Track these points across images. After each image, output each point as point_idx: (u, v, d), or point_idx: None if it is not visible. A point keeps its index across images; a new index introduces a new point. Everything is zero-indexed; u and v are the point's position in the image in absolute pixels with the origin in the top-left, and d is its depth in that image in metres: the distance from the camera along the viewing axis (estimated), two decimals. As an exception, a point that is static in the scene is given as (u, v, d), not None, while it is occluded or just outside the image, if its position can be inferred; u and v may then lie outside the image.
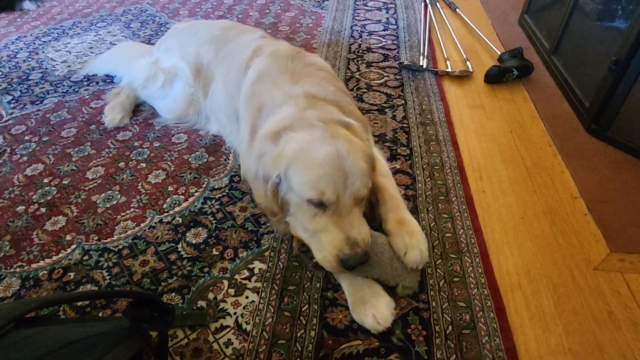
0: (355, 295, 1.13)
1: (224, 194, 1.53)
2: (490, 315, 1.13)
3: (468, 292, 1.19)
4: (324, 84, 1.36)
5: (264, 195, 1.15)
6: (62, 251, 1.33)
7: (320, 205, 1.04)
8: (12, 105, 2.04)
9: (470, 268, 1.25)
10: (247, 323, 1.12)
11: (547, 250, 1.33)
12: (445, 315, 1.14)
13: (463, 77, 2.25)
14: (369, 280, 1.16)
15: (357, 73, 2.25)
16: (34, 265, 1.29)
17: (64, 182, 1.59)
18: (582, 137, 1.81)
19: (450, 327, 1.11)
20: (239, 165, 1.65)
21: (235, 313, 1.15)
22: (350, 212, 1.06)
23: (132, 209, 1.48)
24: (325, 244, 1.05)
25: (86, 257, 1.31)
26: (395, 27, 2.78)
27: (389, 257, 1.14)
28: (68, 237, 1.38)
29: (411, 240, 1.15)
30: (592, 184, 1.57)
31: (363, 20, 2.87)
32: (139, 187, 1.57)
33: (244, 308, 1.16)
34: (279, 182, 1.10)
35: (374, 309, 1.09)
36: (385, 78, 2.21)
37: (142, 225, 1.42)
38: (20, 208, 1.49)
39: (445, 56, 2.41)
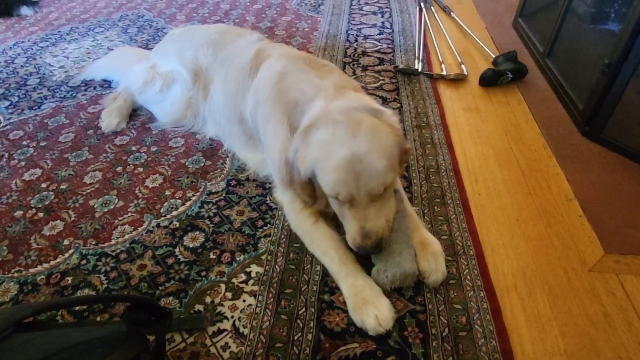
0: (356, 296, 1.14)
1: (221, 197, 1.54)
2: (487, 317, 1.14)
3: (464, 294, 1.19)
4: (347, 78, 1.46)
5: (297, 183, 1.24)
6: (60, 256, 1.34)
7: (338, 199, 1.13)
8: (9, 111, 2.04)
9: (466, 270, 1.26)
10: (244, 326, 1.13)
11: (542, 252, 1.34)
12: (441, 317, 1.14)
13: (458, 80, 2.26)
14: (371, 282, 1.17)
15: (353, 77, 2.26)
16: (31, 270, 1.29)
17: (61, 187, 1.59)
18: (576, 139, 1.82)
19: (446, 330, 1.11)
20: (236, 169, 1.66)
21: (232, 316, 1.15)
22: (367, 206, 1.12)
23: (129, 213, 1.48)
24: (347, 228, 1.18)
25: (84, 262, 1.32)
26: (391, 31, 2.79)
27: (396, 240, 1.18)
28: (66, 242, 1.38)
29: (436, 264, 1.21)
30: (586, 186, 1.58)
31: (358, 25, 2.89)
32: (137, 191, 1.57)
33: (241, 311, 1.17)
34: (309, 178, 1.19)
35: (377, 310, 1.10)
36: (381, 81, 2.22)
37: (140, 229, 1.42)
38: (18, 213, 1.49)
39: (440, 60, 2.43)
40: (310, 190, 1.25)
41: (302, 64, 1.44)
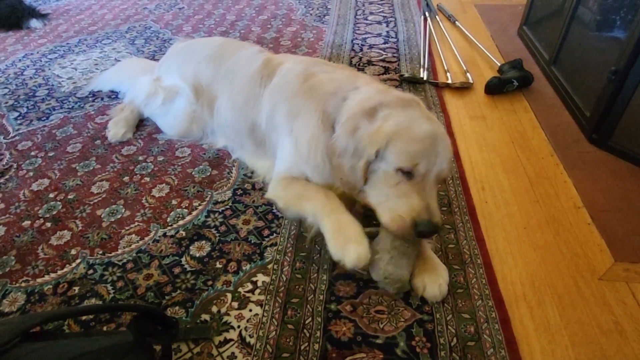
0: (339, 232, 1.17)
1: (227, 207, 1.54)
2: (495, 326, 1.13)
3: (472, 304, 1.18)
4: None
5: (350, 169, 1.18)
6: (67, 265, 1.34)
7: (408, 174, 1.11)
8: (18, 122, 2.07)
9: (474, 279, 1.25)
10: (250, 336, 1.12)
11: (551, 261, 1.33)
12: (449, 327, 1.13)
13: (463, 88, 2.26)
14: (354, 219, 1.19)
15: (359, 86, 2.27)
16: (39, 280, 1.30)
17: (69, 197, 1.61)
18: (583, 146, 1.81)
19: (454, 339, 1.10)
20: (242, 178, 1.66)
21: (239, 326, 1.15)
22: (431, 188, 1.13)
23: (136, 223, 1.49)
24: (403, 206, 1.11)
25: (91, 271, 1.32)
26: (396, 40, 2.81)
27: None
28: (73, 252, 1.39)
29: (430, 279, 1.20)
30: (595, 193, 1.57)
31: (363, 34, 2.91)
32: (143, 201, 1.58)
33: (247, 321, 1.16)
34: (375, 157, 1.14)
35: (359, 247, 1.13)
36: (387, 90, 2.23)
37: (146, 239, 1.43)
38: (26, 223, 1.50)
39: (446, 68, 2.43)
40: (366, 172, 1.17)
41: (324, 66, 1.48)
